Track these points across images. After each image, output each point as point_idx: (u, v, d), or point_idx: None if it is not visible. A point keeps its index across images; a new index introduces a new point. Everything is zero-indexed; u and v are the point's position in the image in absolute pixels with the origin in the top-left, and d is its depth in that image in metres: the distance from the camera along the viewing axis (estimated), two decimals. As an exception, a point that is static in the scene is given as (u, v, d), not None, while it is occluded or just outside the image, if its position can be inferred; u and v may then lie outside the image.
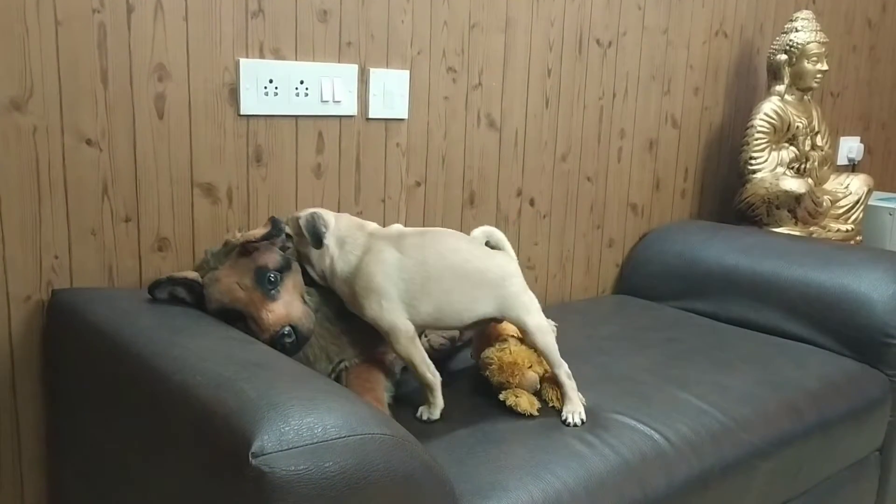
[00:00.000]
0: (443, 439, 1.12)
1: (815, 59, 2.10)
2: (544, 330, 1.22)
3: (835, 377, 1.49)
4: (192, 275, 1.17)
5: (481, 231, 1.26)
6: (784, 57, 2.11)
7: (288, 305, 1.15)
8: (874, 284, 1.61)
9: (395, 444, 0.82)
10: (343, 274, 1.19)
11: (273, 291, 1.14)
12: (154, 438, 0.91)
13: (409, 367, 1.20)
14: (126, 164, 1.27)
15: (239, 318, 1.15)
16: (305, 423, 0.78)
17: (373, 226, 1.24)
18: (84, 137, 1.23)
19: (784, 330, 1.69)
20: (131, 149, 1.27)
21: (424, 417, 1.19)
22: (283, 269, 1.17)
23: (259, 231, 1.17)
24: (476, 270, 1.19)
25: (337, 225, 1.21)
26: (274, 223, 1.17)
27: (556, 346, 1.22)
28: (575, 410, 1.21)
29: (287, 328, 1.12)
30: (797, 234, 2.07)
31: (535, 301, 1.23)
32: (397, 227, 1.24)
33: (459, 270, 1.18)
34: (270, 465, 0.74)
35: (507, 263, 1.23)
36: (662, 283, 1.94)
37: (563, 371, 1.22)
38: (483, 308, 1.20)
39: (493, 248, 1.26)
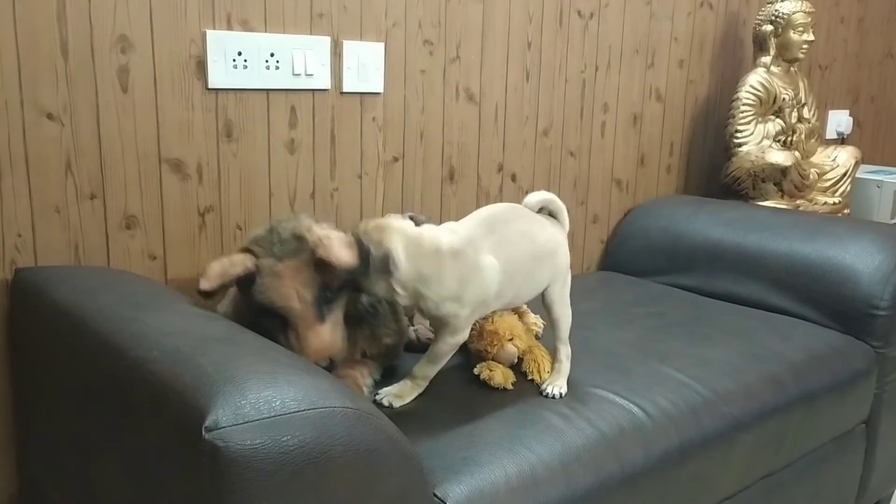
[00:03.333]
0: (416, 415, 1.10)
1: (800, 29, 2.07)
2: (566, 303, 1.23)
3: (819, 349, 1.47)
4: (241, 268, 1.06)
5: (538, 199, 1.21)
6: (770, 27, 2.08)
7: (334, 331, 1.09)
8: (859, 255, 1.59)
9: (358, 418, 0.80)
10: (445, 297, 1.09)
11: (325, 311, 1.08)
12: (113, 415, 0.89)
13: (429, 359, 1.15)
14: (90, 139, 1.24)
15: (277, 317, 1.07)
16: (263, 397, 0.76)
17: (441, 241, 1.11)
18: (45, 112, 1.19)
19: (769, 303, 1.67)
20: (95, 123, 1.24)
21: (386, 403, 1.14)
22: (342, 289, 1.10)
23: (344, 255, 1.04)
24: (540, 248, 1.18)
25: (413, 264, 1.08)
26: (362, 255, 1.05)
27: (569, 323, 1.23)
28: (558, 384, 1.20)
29: (327, 361, 1.08)
30: (783, 207, 2.04)
31: (570, 274, 1.25)
32: (453, 229, 1.14)
33: (531, 255, 1.17)
34: (225, 439, 0.71)
35: (558, 233, 1.22)
36: (647, 258, 1.92)
37: (566, 352, 1.22)
38: (544, 280, 1.20)
39: (550, 214, 1.24)
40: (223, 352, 0.85)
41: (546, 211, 1.23)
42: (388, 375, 1.26)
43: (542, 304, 1.23)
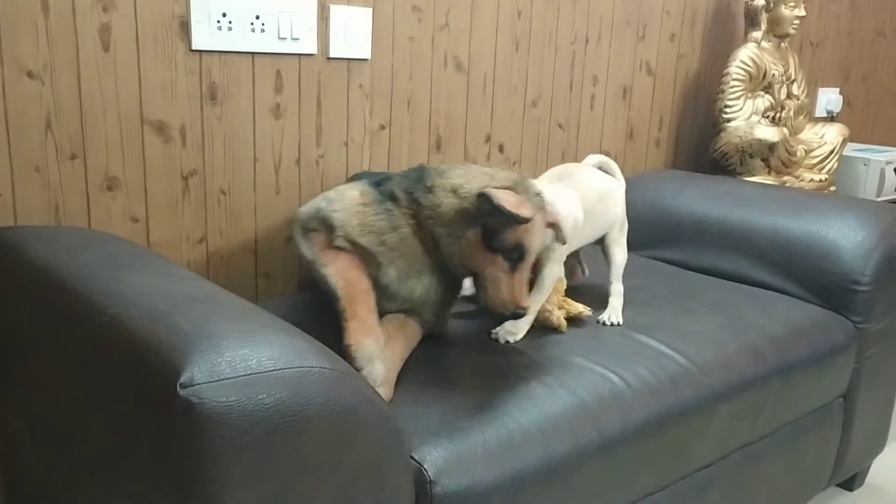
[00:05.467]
0: (397, 380, 1.10)
1: (792, 4, 2.06)
2: (623, 245, 1.49)
3: (800, 323, 1.48)
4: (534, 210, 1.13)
5: (595, 160, 1.50)
6: (761, 2, 2.07)
7: None
8: (842, 231, 1.59)
9: (334, 379, 0.80)
10: None
11: None
12: (90, 373, 0.89)
13: (537, 290, 1.28)
14: (70, 98, 1.22)
15: (509, 257, 1.11)
16: (239, 355, 0.75)
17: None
18: (25, 69, 1.18)
19: (752, 277, 1.68)
20: (75, 82, 1.22)
21: (503, 340, 1.25)
22: None
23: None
24: (597, 198, 1.41)
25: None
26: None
27: (623, 264, 1.47)
28: (613, 315, 1.37)
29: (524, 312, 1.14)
30: (770, 183, 2.04)
31: (626, 225, 1.51)
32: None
33: (591, 205, 1.39)
34: (200, 396, 0.71)
35: (614, 184, 1.48)
36: (633, 232, 1.90)
37: (618, 289, 1.43)
38: (605, 224, 1.45)
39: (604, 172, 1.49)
40: (201, 311, 0.84)
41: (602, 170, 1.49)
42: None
43: (600, 248, 1.47)
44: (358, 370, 1.02)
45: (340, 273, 1.12)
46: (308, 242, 1.19)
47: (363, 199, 1.17)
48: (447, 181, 1.13)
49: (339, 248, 1.16)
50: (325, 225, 1.17)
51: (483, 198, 1.07)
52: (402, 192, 1.16)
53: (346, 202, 1.17)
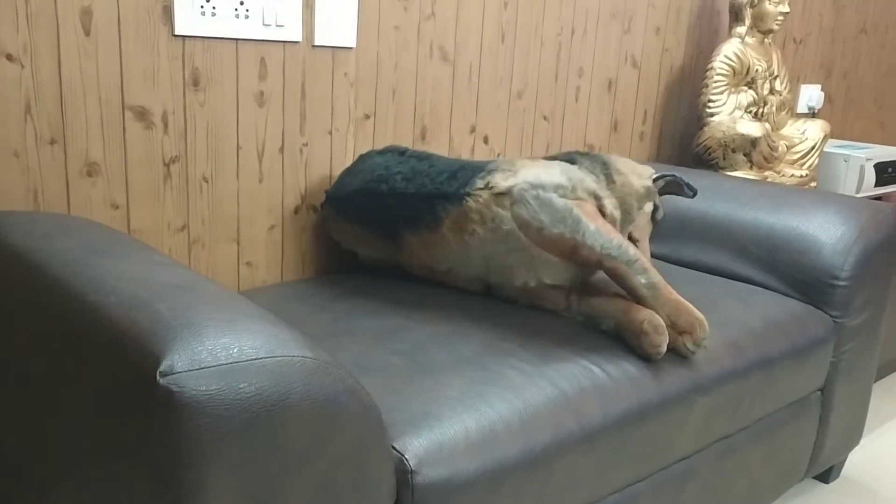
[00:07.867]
0: (379, 370, 1.10)
1: (776, 0, 2.07)
2: None
3: (779, 317, 1.49)
4: None
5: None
6: (746, -2, 2.08)
7: None
8: (822, 226, 1.61)
9: (316, 368, 0.80)
10: None
11: None
12: (68, 360, 0.88)
13: None
14: (50, 82, 1.20)
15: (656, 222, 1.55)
16: (220, 344, 0.75)
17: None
18: (4, 52, 1.16)
19: (733, 272, 1.69)
20: (56, 66, 1.20)
21: None
22: None
23: None
24: None
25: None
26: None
27: None
28: None
29: None
30: (752, 178, 2.06)
31: None
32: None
33: None
34: (180, 384, 0.71)
35: None
36: (616, 224, 1.93)
37: None
38: None
39: None
40: (182, 299, 0.84)
41: None
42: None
43: None
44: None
45: (626, 243, 1.26)
46: (571, 206, 1.29)
47: (594, 177, 1.39)
48: (628, 166, 1.46)
49: (604, 215, 1.34)
50: (593, 196, 1.34)
51: (673, 177, 1.51)
52: (601, 175, 1.41)
53: (591, 179, 1.35)
